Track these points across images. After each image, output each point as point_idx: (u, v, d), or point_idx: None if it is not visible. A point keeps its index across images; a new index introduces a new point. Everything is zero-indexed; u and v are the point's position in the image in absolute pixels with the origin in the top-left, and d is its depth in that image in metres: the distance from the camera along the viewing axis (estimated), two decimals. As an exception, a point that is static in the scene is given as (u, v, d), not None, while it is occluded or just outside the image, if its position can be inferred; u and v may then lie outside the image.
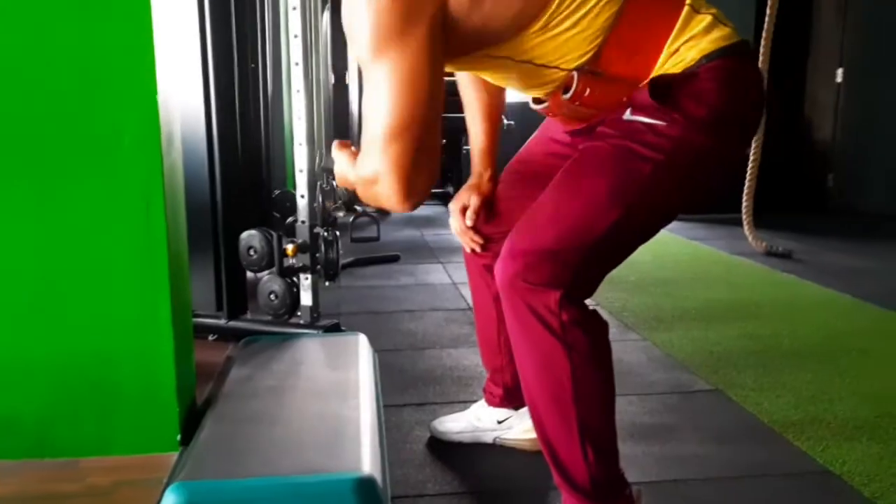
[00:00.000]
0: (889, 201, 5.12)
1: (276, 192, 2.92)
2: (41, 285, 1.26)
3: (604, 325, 1.16)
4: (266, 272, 2.23)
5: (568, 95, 1.10)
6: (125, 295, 1.28)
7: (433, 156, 1.03)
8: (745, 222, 3.91)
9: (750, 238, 3.89)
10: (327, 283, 2.23)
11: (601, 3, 1.05)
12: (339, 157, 1.17)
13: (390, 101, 0.97)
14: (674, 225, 5.52)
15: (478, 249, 1.49)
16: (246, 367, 1.76)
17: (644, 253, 4.57)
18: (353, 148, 1.17)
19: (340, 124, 4.92)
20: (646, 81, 1.08)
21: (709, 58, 1.07)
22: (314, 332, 2.22)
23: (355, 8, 0.98)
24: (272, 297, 2.24)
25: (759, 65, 3.73)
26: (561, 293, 1.08)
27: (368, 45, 0.97)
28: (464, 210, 1.47)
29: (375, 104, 0.99)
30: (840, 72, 5.47)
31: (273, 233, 2.20)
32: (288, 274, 2.19)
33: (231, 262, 2.29)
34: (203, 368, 2.23)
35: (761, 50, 3.74)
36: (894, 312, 2.70)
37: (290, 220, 2.30)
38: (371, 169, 1.01)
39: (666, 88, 1.06)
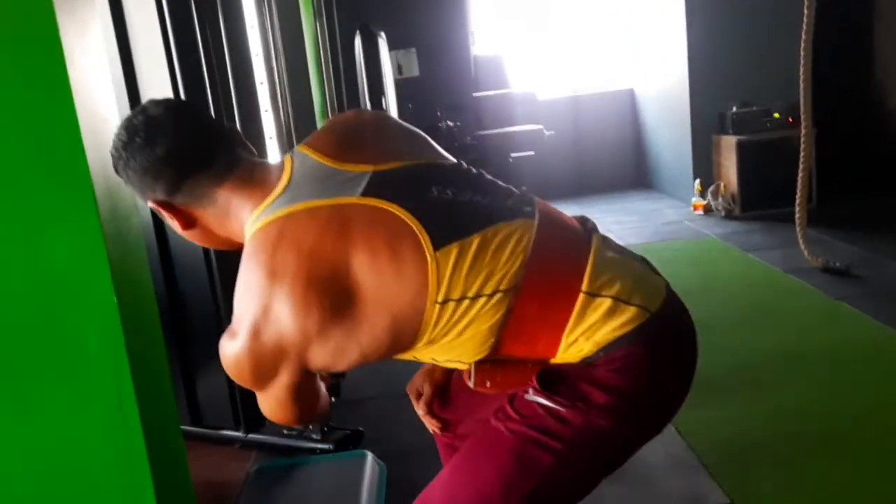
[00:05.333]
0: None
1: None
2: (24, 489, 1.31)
3: None
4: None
5: (471, 383, 1.06)
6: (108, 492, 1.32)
7: (311, 407, 1.12)
8: (799, 235, 3.69)
9: (805, 253, 3.67)
10: (333, 399, 2.25)
11: (485, 310, 1.00)
12: None
13: (264, 406, 1.09)
14: (731, 228, 5.14)
15: (438, 432, 1.46)
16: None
17: (691, 277, 4.26)
18: None
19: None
20: (552, 360, 1.03)
21: (606, 350, 1.01)
22: (326, 445, 2.28)
23: (227, 368, 1.04)
24: (284, 413, 2.30)
25: (802, 61, 3.44)
26: None
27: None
28: (418, 395, 1.45)
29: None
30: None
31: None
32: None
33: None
34: (225, 488, 2.32)
35: (804, 30, 3.37)
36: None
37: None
38: None
39: (558, 379, 1.01)
